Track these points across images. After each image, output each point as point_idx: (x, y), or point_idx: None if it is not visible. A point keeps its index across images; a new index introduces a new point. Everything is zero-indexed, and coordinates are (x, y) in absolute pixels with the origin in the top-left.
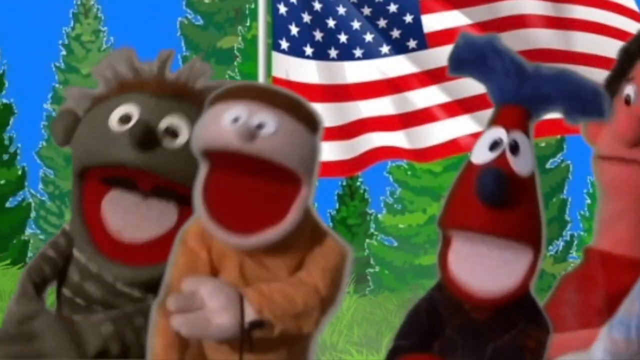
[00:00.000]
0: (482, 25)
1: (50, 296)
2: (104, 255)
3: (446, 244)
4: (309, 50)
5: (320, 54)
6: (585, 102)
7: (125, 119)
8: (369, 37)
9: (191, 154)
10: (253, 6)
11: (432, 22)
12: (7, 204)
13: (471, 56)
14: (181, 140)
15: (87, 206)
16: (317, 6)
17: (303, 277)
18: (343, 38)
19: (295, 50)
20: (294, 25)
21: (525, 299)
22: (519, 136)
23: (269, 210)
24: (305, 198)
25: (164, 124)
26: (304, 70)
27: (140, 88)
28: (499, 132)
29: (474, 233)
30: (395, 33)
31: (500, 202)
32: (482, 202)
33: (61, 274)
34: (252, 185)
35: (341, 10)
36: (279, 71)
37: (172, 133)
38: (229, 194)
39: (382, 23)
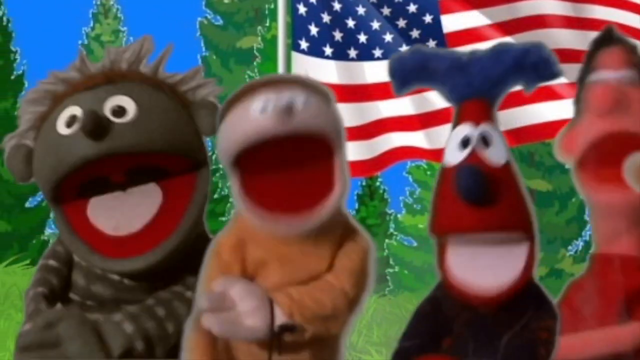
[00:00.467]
0: (502, 26)
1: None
2: (101, 255)
3: (442, 250)
4: (328, 51)
5: (340, 54)
6: (535, 66)
7: (70, 121)
8: (388, 37)
9: (145, 122)
10: (272, 6)
11: (451, 22)
12: (27, 204)
13: (411, 69)
14: (130, 114)
15: (75, 224)
16: (337, 6)
17: (331, 280)
18: (363, 38)
19: (315, 51)
20: (313, 25)
21: (529, 287)
22: (486, 127)
23: (316, 185)
24: (343, 165)
25: (107, 106)
26: (323, 71)
27: (72, 91)
28: (466, 129)
29: (466, 234)
30: (415, 33)
31: (482, 197)
32: (465, 202)
33: (67, 280)
34: (290, 171)
35: (361, 10)
36: (298, 71)
37: (119, 112)
38: (271, 188)
39: (401, 23)
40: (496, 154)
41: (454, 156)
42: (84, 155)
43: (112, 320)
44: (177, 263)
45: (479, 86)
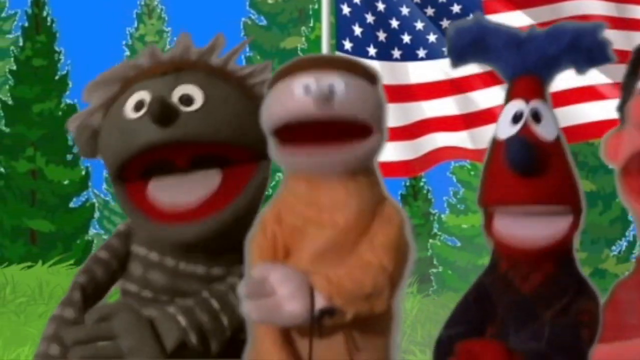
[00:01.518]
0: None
1: (113, 297)
2: (160, 220)
3: (489, 219)
4: (372, 51)
5: (384, 55)
6: (589, 48)
7: (139, 105)
8: (432, 38)
9: (211, 112)
10: (317, 7)
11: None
12: (71, 204)
13: (468, 43)
14: (197, 103)
15: (136, 200)
16: (381, 7)
17: (368, 257)
18: (406, 39)
19: (359, 51)
20: (357, 25)
21: (571, 269)
22: (538, 104)
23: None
24: (378, 143)
25: (176, 94)
26: None
27: (142, 77)
28: (518, 104)
29: (513, 206)
30: None
31: (531, 169)
32: (514, 172)
33: (122, 272)
34: (326, 146)
35: (405, 10)
36: None
37: (187, 101)
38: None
39: (445, 23)
40: (547, 130)
41: (506, 130)
42: (148, 141)
43: (166, 313)
44: (230, 241)
45: (533, 63)
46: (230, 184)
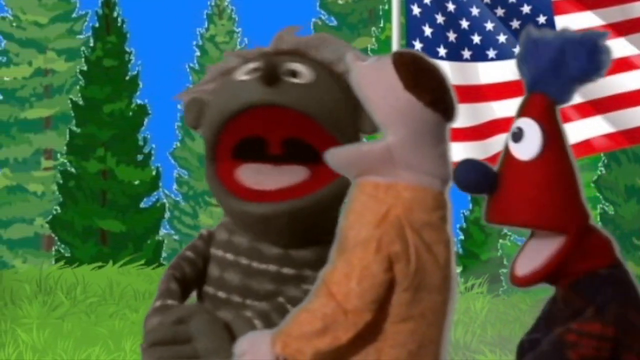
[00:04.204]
0: (616, 26)
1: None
2: (249, 201)
3: None
4: (442, 51)
5: (454, 55)
6: (579, 58)
7: (251, 71)
8: (502, 38)
9: (317, 89)
10: (387, 7)
11: (565, 23)
12: (142, 205)
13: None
14: (305, 78)
15: (224, 179)
16: (451, 7)
17: (318, 292)
18: (476, 39)
19: (429, 51)
20: (427, 26)
21: (583, 285)
22: (524, 122)
23: None
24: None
25: (286, 67)
26: None
27: (256, 57)
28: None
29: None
30: None
31: (469, 189)
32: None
33: (202, 275)
34: None
35: (475, 11)
36: None
37: (295, 74)
38: None
39: (515, 24)
40: (524, 149)
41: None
42: (250, 98)
43: (243, 316)
44: (305, 232)
45: (530, 79)
46: (316, 179)
